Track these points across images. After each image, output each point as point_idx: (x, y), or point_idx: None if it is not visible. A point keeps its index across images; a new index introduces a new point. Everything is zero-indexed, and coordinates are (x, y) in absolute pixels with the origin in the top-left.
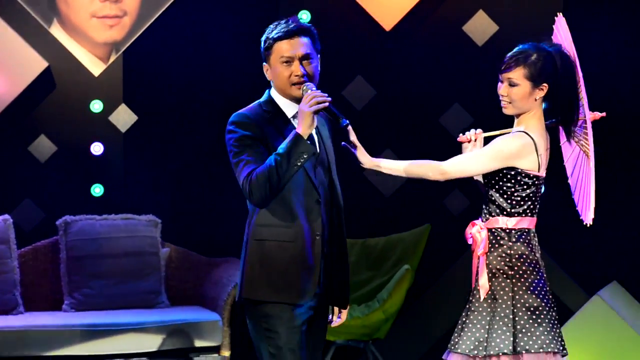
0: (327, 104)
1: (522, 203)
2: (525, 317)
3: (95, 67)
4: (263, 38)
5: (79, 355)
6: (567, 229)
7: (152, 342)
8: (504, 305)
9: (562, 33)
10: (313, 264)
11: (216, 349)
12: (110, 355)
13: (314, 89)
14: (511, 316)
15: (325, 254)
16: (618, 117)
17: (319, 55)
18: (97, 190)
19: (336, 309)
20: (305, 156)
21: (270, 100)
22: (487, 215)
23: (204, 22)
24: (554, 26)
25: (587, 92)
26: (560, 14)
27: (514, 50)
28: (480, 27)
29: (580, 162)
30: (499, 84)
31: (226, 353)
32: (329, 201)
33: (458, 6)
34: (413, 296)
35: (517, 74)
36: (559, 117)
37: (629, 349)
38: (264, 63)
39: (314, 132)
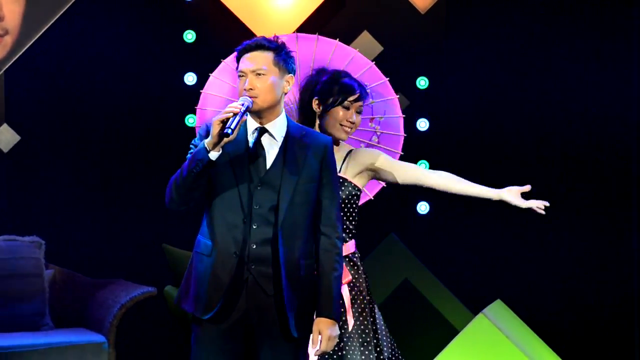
0: (230, 114)
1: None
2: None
3: None
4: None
5: None
6: (450, 247)
7: None
8: (373, 329)
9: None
10: (223, 281)
11: None
12: None
13: (244, 103)
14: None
15: (248, 275)
16: (498, 133)
17: (287, 70)
18: None
19: (314, 335)
20: (200, 165)
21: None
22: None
23: (88, 40)
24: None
25: None
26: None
27: (350, 80)
28: (365, 47)
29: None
30: (345, 111)
31: None
32: (269, 223)
33: (343, 26)
34: None
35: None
36: None
37: None
38: None
39: (271, 151)
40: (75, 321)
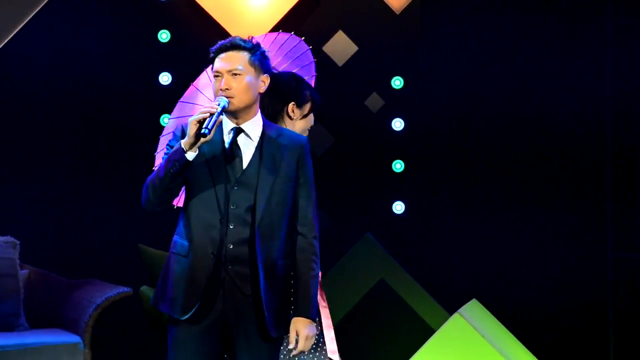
0: (206, 114)
1: None
2: None
3: None
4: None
5: None
6: (426, 247)
7: None
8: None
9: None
10: (200, 282)
11: None
12: None
13: (221, 103)
14: None
15: (225, 275)
16: (471, 138)
17: (263, 70)
18: None
19: (291, 335)
20: (177, 165)
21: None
22: None
23: (63, 40)
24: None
25: None
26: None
27: (309, 87)
28: (340, 47)
29: None
30: (312, 116)
31: None
32: (246, 223)
33: (318, 26)
34: None
35: None
36: None
37: None
38: None
39: (247, 151)
40: (51, 322)
